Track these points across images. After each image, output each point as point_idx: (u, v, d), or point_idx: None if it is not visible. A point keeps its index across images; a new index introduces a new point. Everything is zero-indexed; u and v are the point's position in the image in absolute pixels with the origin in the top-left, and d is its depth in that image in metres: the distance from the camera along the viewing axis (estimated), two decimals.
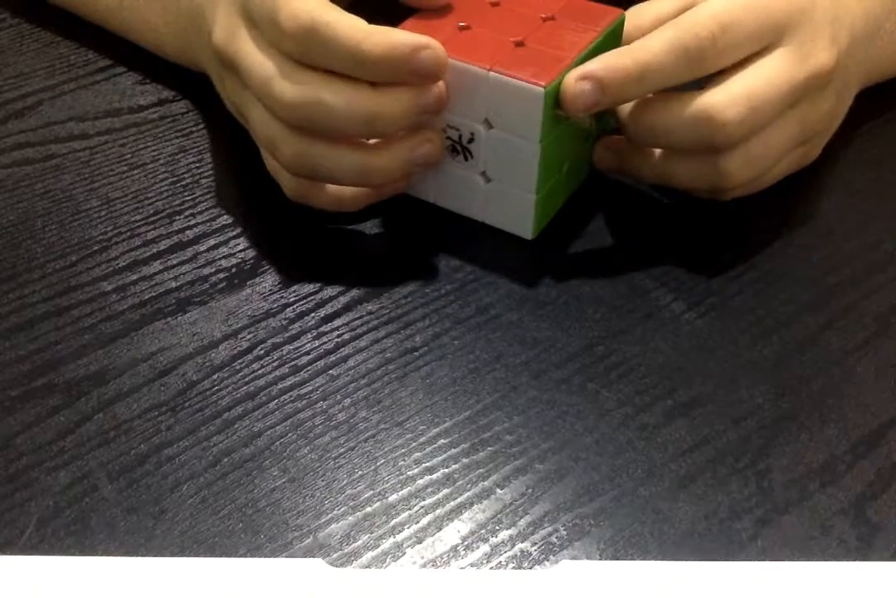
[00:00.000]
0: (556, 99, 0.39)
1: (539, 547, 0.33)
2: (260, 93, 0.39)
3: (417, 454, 0.36)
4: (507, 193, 0.42)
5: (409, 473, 0.35)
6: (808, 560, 0.32)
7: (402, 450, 0.36)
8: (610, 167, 0.44)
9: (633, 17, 0.42)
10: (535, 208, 0.42)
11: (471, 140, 0.41)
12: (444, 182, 0.43)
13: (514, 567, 0.32)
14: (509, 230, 0.43)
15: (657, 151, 0.42)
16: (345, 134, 0.39)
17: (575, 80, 0.38)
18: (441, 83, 0.39)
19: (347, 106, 0.37)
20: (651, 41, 0.39)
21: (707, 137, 0.39)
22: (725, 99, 0.39)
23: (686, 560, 0.32)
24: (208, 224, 0.44)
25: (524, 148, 0.40)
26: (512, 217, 0.42)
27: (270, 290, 0.41)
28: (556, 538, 0.33)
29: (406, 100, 0.38)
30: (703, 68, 0.39)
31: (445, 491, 0.34)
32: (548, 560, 0.32)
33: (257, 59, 0.39)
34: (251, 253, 0.43)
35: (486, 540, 0.33)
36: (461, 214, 0.43)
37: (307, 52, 0.38)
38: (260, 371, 0.38)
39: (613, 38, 0.41)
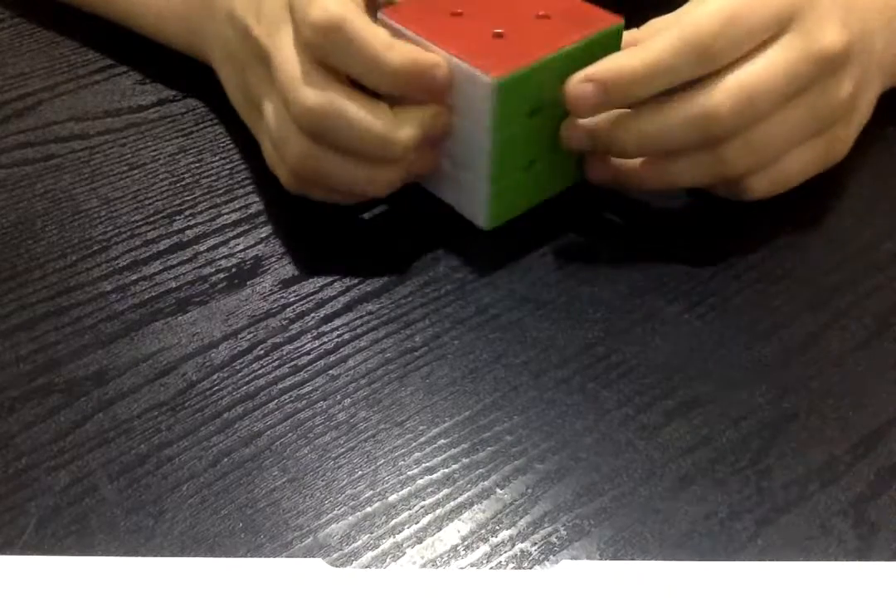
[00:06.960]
0: (516, 92, 0.39)
1: (539, 547, 0.33)
2: (284, 91, 0.39)
3: (417, 454, 0.36)
4: (467, 179, 0.42)
5: (409, 473, 0.35)
6: (808, 560, 0.32)
7: (402, 450, 0.36)
8: (605, 179, 0.43)
9: (647, 26, 0.42)
10: (490, 199, 0.42)
11: None
12: None
13: (514, 567, 0.32)
14: (468, 217, 0.43)
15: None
16: (354, 149, 0.39)
17: (577, 82, 0.39)
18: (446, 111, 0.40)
19: (366, 123, 0.38)
20: (656, 41, 0.38)
21: (703, 132, 0.39)
22: (719, 93, 0.38)
23: (686, 560, 0.32)
24: (208, 224, 0.44)
25: (478, 136, 0.40)
26: (471, 204, 0.43)
27: (270, 290, 0.41)
28: (556, 538, 0.33)
29: (419, 125, 0.39)
30: (711, 64, 0.39)
31: (445, 491, 0.34)
32: (548, 560, 0.32)
33: (291, 57, 0.39)
34: (251, 253, 0.43)
35: (486, 540, 0.33)
36: (436, 195, 0.44)
37: (327, 47, 0.38)
38: (260, 371, 0.38)
39: (606, 44, 0.40)
